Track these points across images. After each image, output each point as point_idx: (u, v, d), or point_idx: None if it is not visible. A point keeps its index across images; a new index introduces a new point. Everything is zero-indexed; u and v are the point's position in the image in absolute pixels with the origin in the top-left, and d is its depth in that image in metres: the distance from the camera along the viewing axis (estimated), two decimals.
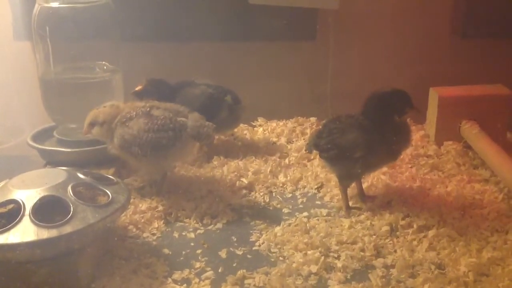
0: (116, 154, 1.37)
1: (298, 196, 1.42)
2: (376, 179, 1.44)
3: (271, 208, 1.38)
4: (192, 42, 1.81)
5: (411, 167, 1.52)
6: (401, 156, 1.53)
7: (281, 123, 1.78)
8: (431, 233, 1.22)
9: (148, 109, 1.34)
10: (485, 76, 1.68)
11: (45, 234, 1.03)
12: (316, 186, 1.46)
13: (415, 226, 1.25)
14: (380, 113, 1.28)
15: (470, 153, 1.57)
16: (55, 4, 1.47)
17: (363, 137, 1.27)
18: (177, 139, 1.31)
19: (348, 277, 1.12)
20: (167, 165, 1.39)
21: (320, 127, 1.38)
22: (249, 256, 1.20)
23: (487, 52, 1.83)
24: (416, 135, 1.68)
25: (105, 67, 1.57)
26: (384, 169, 1.47)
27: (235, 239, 1.25)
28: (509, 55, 1.82)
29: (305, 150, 1.43)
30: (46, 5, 1.48)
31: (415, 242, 1.21)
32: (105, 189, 1.16)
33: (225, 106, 1.55)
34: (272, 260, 1.18)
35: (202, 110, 1.39)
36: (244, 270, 1.13)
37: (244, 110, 1.60)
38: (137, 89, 1.53)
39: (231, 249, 1.22)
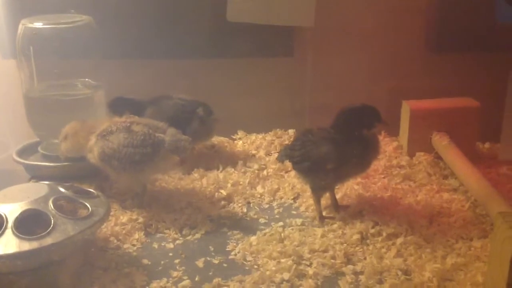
0: (96, 165, 1.41)
1: (275, 207, 1.48)
2: (349, 189, 1.50)
3: (248, 218, 1.43)
4: (172, 60, 1.87)
5: (384, 178, 1.58)
6: (375, 167, 1.61)
7: (260, 136, 1.83)
8: (399, 240, 1.28)
9: (128, 124, 1.40)
10: (456, 90, 1.75)
11: (26, 246, 1.07)
12: (292, 197, 1.51)
13: (384, 234, 1.30)
14: (350, 127, 1.34)
15: (441, 163, 1.63)
16: (38, 25, 1.52)
17: (334, 150, 1.33)
18: (155, 154, 1.36)
19: (319, 283, 1.17)
20: (145, 179, 1.44)
21: (293, 139, 1.44)
22: (225, 265, 1.25)
23: (459, 66, 1.89)
24: (390, 146, 1.74)
25: (87, 84, 1.62)
26: (358, 179, 1.53)
27: (212, 249, 1.30)
28: (478, 69, 1.89)
29: (276, 159, 1.49)
30: (30, 25, 1.53)
31: (383, 250, 1.26)
32: (85, 203, 1.21)
33: (196, 118, 1.61)
34: (247, 268, 1.23)
35: (174, 122, 1.44)
36: (220, 279, 1.18)
37: (217, 122, 1.66)
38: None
39: (208, 258, 1.26)
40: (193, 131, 1.57)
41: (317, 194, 1.39)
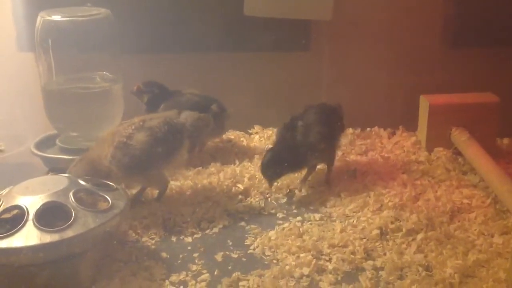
0: (122, 180, 1.33)
1: (292, 201, 1.47)
2: (368, 185, 1.49)
3: (266, 213, 1.42)
4: (189, 53, 1.87)
5: (402, 173, 1.56)
6: (393, 162, 1.62)
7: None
8: (419, 236, 1.27)
9: (141, 123, 1.37)
10: (474, 85, 1.73)
11: (47, 238, 1.07)
12: (309, 191, 1.51)
13: (404, 229, 1.29)
14: None
15: (460, 159, 1.62)
16: (57, 17, 1.52)
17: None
18: (183, 138, 1.36)
19: (339, 279, 1.16)
20: (175, 167, 1.43)
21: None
22: (244, 259, 1.24)
23: (477, 61, 1.87)
24: (408, 141, 1.73)
25: (105, 77, 1.62)
26: (376, 175, 1.53)
27: (230, 243, 1.30)
28: (497, 64, 1.87)
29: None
30: (48, 18, 1.53)
31: (404, 245, 1.25)
32: (105, 195, 1.21)
33: (211, 114, 1.61)
34: (266, 263, 1.22)
35: None
36: (239, 273, 1.18)
37: (228, 118, 1.66)
38: (134, 88, 1.62)
39: (226, 252, 1.26)
40: None
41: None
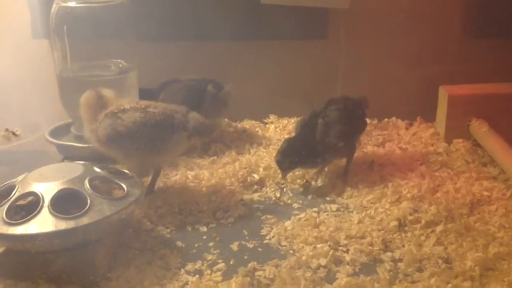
0: (99, 147, 1.34)
1: (308, 192, 1.45)
2: (386, 176, 1.46)
3: (281, 203, 1.41)
4: (205, 41, 1.85)
5: (420, 164, 1.54)
6: (411, 154, 1.59)
7: (292, 120, 1.81)
8: (438, 228, 1.24)
9: (143, 106, 1.34)
10: (494, 75, 1.70)
11: (63, 225, 1.07)
12: (326, 182, 1.49)
13: (423, 221, 1.27)
14: None
15: (479, 151, 1.59)
16: (72, 4, 1.51)
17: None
18: (175, 135, 1.32)
19: (357, 270, 1.15)
20: (162, 161, 1.39)
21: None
22: (260, 249, 1.23)
23: (497, 51, 1.84)
24: (426, 133, 1.70)
25: (120, 65, 1.61)
26: (394, 166, 1.50)
27: (246, 233, 1.28)
28: None
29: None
30: (63, 4, 1.51)
31: (423, 237, 1.23)
32: (120, 183, 1.20)
33: (208, 95, 1.59)
34: (282, 253, 1.21)
35: (186, 103, 1.40)
36: (255, 263, 1.16)
37: (229, 95, 1.64)
38: None
39: (242, 242, 1.25)
40: (206, 108, 1.55)
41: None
